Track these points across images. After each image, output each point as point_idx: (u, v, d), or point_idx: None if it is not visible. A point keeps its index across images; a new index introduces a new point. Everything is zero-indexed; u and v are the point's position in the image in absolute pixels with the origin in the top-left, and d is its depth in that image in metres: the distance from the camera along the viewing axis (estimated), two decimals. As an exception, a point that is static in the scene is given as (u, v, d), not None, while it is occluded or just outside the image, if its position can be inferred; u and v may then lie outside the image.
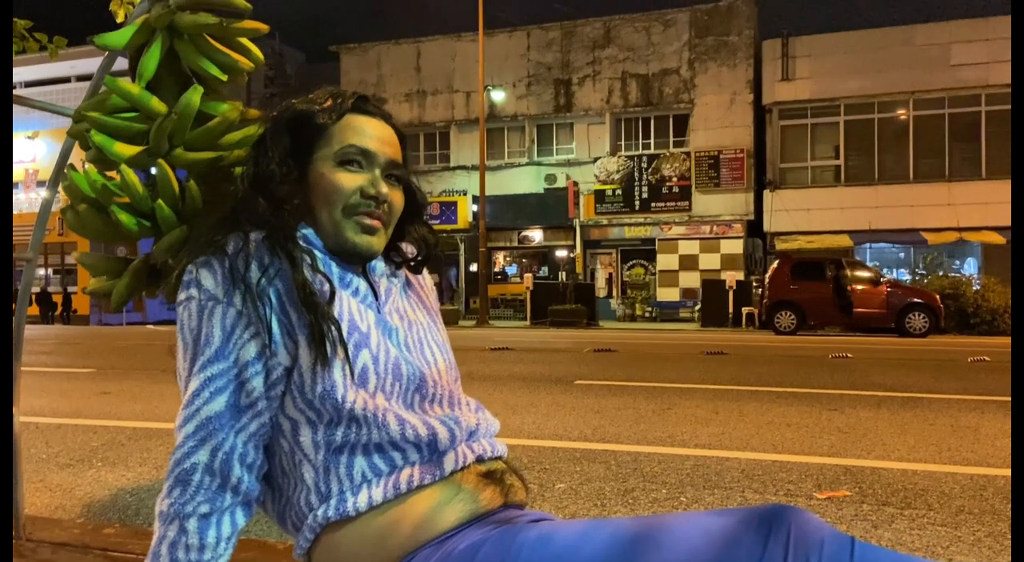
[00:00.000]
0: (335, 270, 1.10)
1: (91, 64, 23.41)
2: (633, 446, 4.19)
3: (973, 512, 2.98)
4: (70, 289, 26.95)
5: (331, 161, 1.09)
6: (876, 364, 9.26)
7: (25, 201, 29.53)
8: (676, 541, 0.87)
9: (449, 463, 1.06)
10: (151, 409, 5.55)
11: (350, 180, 1.09)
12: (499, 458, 1.15)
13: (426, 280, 1.28)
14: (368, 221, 1.10)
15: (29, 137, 28.39)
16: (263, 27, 1.21)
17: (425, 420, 1.07)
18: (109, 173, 1.18)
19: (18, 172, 29.55)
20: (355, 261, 1.13)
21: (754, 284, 20.91)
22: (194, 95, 1.13)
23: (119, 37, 1.16)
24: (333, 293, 1.04)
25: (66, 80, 26.89)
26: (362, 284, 1.12)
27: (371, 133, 1.12)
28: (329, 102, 1.11)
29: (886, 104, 21.76)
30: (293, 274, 1.02)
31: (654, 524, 0.91)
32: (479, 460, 1.10)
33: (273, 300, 1.02)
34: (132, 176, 1.11)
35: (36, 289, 26.82)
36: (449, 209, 25.12)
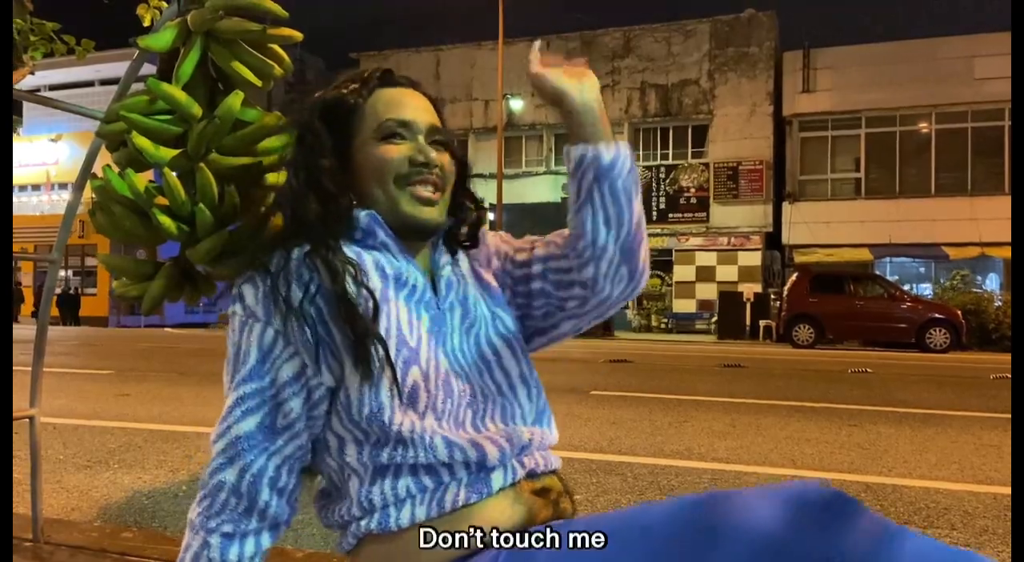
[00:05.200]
0: (391, 267, 1.05)
1: (116, 68, 23.67)
2: (650, 459, 4.16)
3: (997, 532, 2.92)
4: (88, 291, 27.19)
5: (373, 140, 1.06)
6: (896, 380, 9.15)
7: (47, 202, 29.90)
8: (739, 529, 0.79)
9: (497, 480, 1.01)
10: (169, 412, 5.58)
11: (396, 151, 1.06)
12: (553, 472, 1.09)
13: (488, 242, 1.19)
14: (423, 191, 1.06)
15: (52, 140, 28.73)
16: (297, 35, 1.21)
17: (474, 440, 1.01)
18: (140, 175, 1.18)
19: (40, 174, 29.93)
20: (421, 237, 1.08)
21: (772, 297, 20.77)
22: (235, 100, 1.14)
23: (161, 39, 1.16)
24: (376, 309, 0.99)
25: (90, 84, 27.24)
26: (419, 279, 1.07)
27: (407, 102, 1.09)
28: (356, 84, 1.09)
29: (908, 117, 21.61)
30: (333, 287, 0.98)
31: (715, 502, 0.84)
32: (531, 475, 1.04)
33: (316, 319, 0.98)
34: (175, 180, 1.11)
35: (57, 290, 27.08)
36: (466, 217, 25.10)
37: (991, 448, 4.63)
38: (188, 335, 17.76)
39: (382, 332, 0.99)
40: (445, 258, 1.12)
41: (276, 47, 1.23)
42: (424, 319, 1.04)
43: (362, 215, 1.05)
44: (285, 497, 1.01)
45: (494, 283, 1.16)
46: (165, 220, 1.13)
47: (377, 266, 1.04)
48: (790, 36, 24.10)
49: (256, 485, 0.98)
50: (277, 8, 1.20)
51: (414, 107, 1.09)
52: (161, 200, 1.14)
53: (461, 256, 1.16)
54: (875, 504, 3.30)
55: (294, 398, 0.99)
